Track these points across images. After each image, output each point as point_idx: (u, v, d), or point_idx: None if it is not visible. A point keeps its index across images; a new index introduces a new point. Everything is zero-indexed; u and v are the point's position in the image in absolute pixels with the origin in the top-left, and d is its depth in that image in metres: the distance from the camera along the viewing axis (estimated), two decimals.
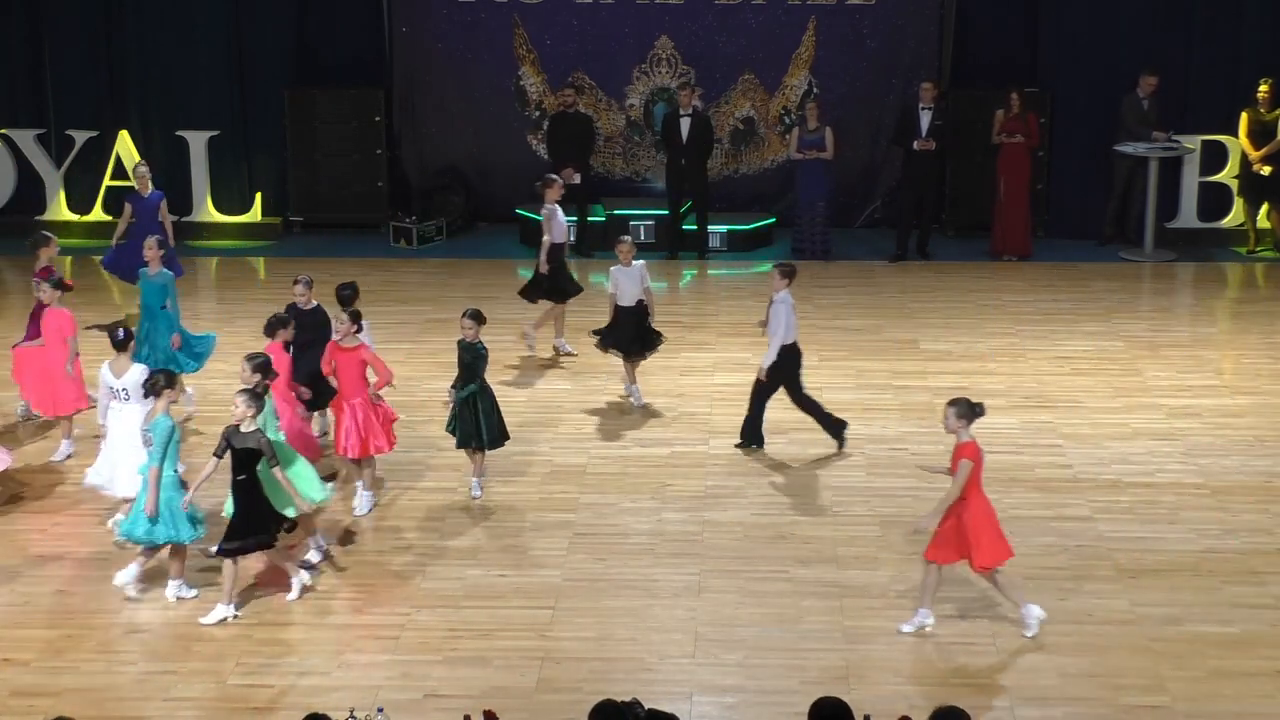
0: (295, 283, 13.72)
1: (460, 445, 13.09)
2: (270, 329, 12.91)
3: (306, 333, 13.36)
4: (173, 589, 11.40)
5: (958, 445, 10.74)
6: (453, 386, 13.11)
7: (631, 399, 14.96)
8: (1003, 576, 10.91)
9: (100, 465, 12.29)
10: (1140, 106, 19.74)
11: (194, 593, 11.44)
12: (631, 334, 14.81)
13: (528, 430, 14.25)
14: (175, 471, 11.30)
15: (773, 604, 11.37)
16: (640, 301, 14.80)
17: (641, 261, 14.86)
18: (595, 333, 15.06)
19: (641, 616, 11.21)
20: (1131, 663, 10.60)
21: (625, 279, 14.75)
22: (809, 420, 14.36)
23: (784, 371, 13.70)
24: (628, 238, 15.08)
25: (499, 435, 13.07)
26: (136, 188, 17.50)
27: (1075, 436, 14.20)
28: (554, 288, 16.12)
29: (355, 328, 12.69)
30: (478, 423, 12.91)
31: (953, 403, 10.81)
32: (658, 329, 14.99)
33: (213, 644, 10.78)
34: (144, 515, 11.13)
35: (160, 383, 11.37)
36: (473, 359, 12.89)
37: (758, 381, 13.76)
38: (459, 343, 12.97)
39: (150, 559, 11.51)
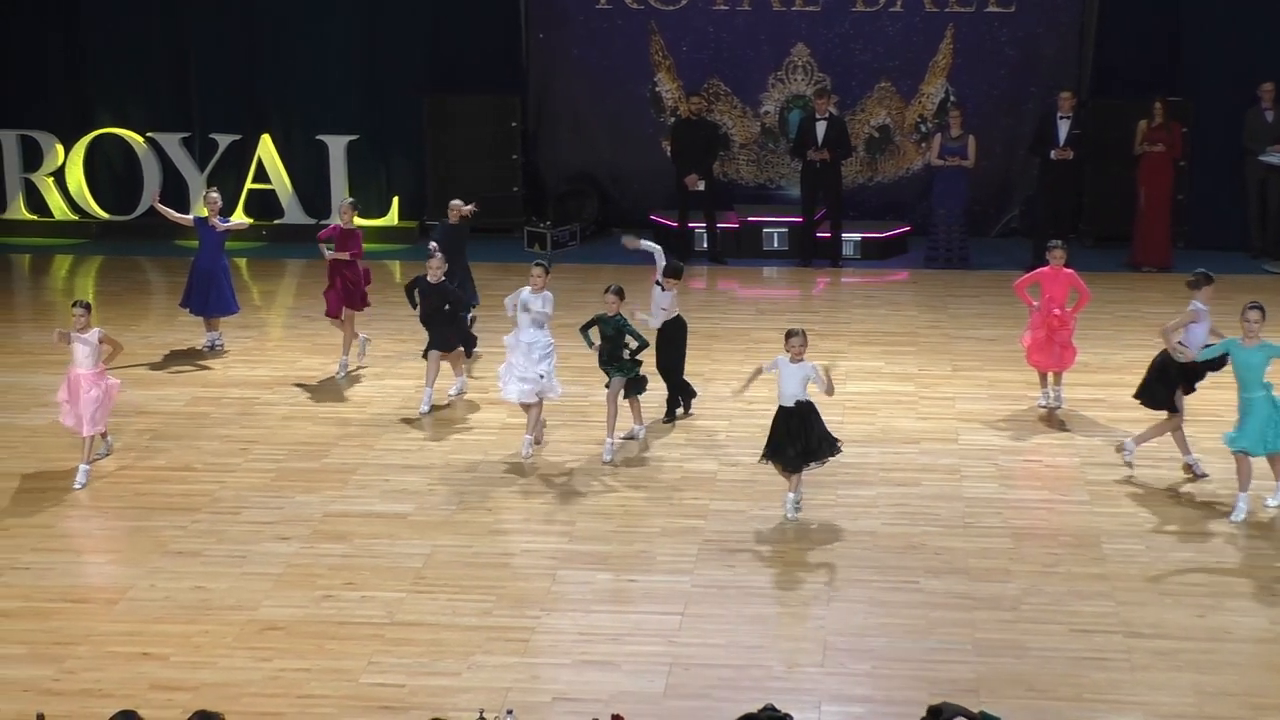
0: (431, 256, 14.94)
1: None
2: None
3: (432, 301, 14.72)
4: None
5: None
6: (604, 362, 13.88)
7: (788, 511, 12.79)
8: None
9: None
10: (1264, 118, 19.39)
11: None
12: (786, 442, 12.73)
13: (657, 437, 14.27)
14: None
15: (902, 614, 11.29)
16: (800, 402, 12.60)
17: (814, 365, 12.64)
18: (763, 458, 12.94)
19: (770, 624, 11.18)
20: (1271, 681, 10.38)
21: (789, 376, 12.67)
22: (941, 430, 14.29)
23: None
24: (801, 329, 12.63)
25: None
26: (208, 214, 16.54)
27: (1216, 451, 13.94)
28: None
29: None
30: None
31: None
32: (833, 436, 12.89)
33: (347, 643, 10.91)
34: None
35: None
36: (614, 331, 13.67)
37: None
38: (599, 316, 13.76)
39: None
